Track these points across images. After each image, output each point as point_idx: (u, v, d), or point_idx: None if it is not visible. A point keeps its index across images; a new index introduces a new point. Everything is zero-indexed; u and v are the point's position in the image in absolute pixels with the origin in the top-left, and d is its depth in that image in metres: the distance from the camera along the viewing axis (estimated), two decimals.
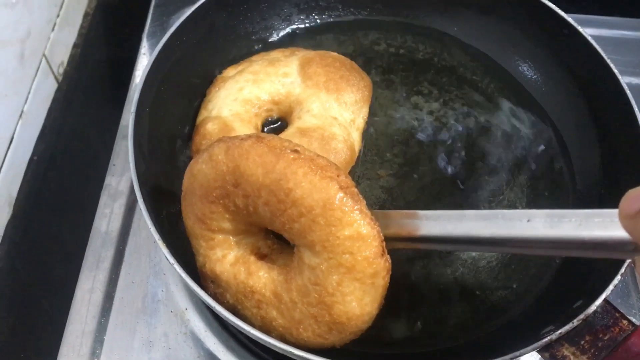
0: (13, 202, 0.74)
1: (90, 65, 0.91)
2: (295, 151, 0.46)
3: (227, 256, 0.52)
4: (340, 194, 0.45)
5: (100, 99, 0.95)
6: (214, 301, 0.49)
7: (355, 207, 0.45)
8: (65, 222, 0.81)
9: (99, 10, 0.96)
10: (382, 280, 0.47)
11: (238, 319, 0.49)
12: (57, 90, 0.86)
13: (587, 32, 0.67)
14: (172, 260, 0.51)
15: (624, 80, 0.64)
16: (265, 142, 0.46)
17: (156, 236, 0.52)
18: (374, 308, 0.48)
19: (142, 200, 0.53)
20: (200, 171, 0.50)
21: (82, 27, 0.94)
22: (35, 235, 0.74)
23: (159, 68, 0.62)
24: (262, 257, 0.53)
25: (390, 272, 0.48)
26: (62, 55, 0.88)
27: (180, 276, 0.51)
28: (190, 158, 0.65)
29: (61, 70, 0.88)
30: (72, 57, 0.90)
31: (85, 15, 0.95)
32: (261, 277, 0.51)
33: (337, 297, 0.46)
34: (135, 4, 0.96)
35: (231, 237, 0.52)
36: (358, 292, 0.46)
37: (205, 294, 0.50)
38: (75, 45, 0.91)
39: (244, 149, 0.46)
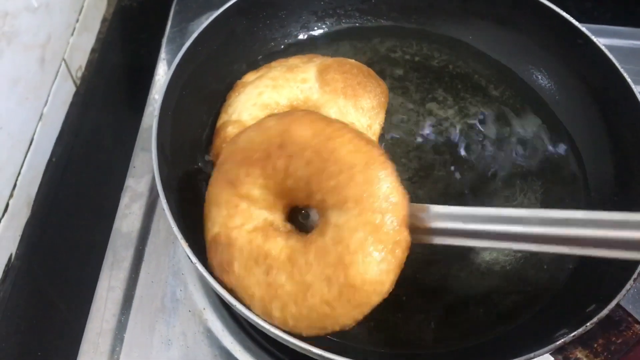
0: (32, 202, 0.76)
1: (107, 70, 0.92)
2: (344, 124, 0.50)
3: (245, 224, 0.52)
4: (383, 158, 0.48)
5: (118, 103, 0.96)
6: (229, 295, 0.51)
7: (394, 172, 0.48)
8: (82, 223, 0.82)
9: (116, 16, 0.98)
10: (401, 252, 0.47)
11: (246, 309, 0.51)
12: (75, 94, 0.87)
13: (601, 41, 0.68)
14: (194, 259, 0.52)
15: (637, 89, 0.64)
16: (317, 114, 0.51)
17: (179, 235, 0.54)
18: (389, 280, 0.47)
19: (166, 202, 0.54)
20: (247, 137, 0.52)
21: (100, 32, 0.95)
22: (54, 235, 0.76)
23: (181, 73, 0.64)
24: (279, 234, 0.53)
25: (408, 252, 0.48)
26: (80, 59, 0.90)
27: (199, 276, 0.53)
28: (210, 161, 0.67)
29: (79, 74, 0.89)
30: (90, 62, 0.91)
31: (104, 20, 0.97)
32: (278, 242, 0.51)
33: (357, 257, 0.46)
34: (153, 10, 0.97)
35: (254, 208, 0.52)
36: (378, 256, 0.46)
37: (224, 291, 0.51)
38: (93, 50, 0.93)
39: (297, 116, 0.51)
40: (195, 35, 0.65)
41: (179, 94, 0.64)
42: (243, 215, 0.53)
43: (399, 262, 0.48)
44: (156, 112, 0.60)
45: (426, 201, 0.66)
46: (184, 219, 0.58)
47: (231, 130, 0.65)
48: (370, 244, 0.46)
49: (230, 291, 0.52)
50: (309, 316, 0.48)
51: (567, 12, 0.70)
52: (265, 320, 0.51)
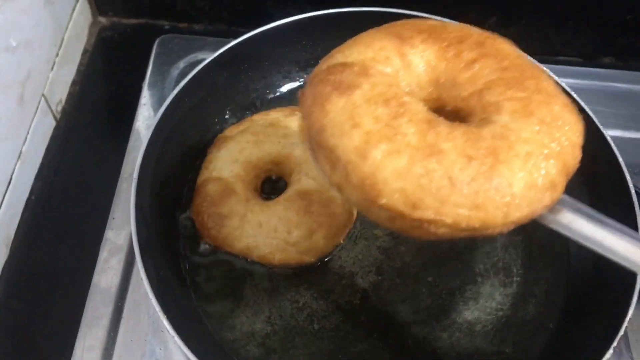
0: (10, 243, 0.75)
1: (88, 102, 0.91)
2: None
3: (387, 75, 0.46)
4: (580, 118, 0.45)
5: (99, 137, 0.95)
6: None
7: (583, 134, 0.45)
8: (63, 263, 0.81)
9: (97, 47, 0.97)
10: (549, 198, 0.42)
11: None
12: (55, 129, 0.87)
13: (572, 82, 0.68)
14: (172, 332, 0.52)
15: (606, 133, 0.65)
16: None
17: (157, 307, 0.53)
18: (523, 209, 0.41)
19: (143, 270, 0.54)
20: (440, 22, 0.50)
21: (80, 64, 0.95)
22: (33, 276, 0.75)
23: (161, 131, 0.63)
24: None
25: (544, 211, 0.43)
26: (60, 93, 0.89)
27: None
28: (191, 219, 0.66)
29: (59, 108, 0.89)
30: (70, 95, 0.91)
31: (84, 52, 0.97)
32: (420, 105, 0.44)
33: (514, 162, 0.40)
34: (134, 41, 0.97)
35: (403, 74, 0.47)
36: (531, 178, 0.41)
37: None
38: (73, 83, 0.92)
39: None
40: (175, 91, 0.65)
41: (158, 151, 0.64)
42: (390, 67, 0.46)
43: (540, 205, 0.42)
44: (135, 174, 0.59)
45: (407, 256, 0.67)
46: (163, 284, 0.58)
47: (212, 188, 0.65)
48: (532, 163, 0.41)
49: (315, 116, 0.43)
50: (417, 180, 0.40)
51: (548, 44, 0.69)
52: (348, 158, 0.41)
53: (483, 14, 0.90)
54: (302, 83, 0.79)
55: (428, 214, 0.40)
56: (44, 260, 0.77)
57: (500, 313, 0.64)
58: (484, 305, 0.64)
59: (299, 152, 0.67)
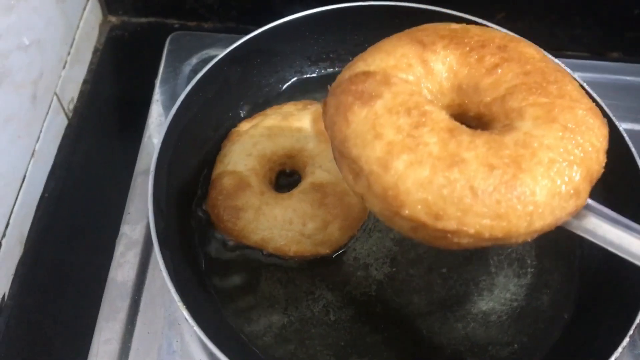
0: (24, 240, 0.75)
1: (99, 100, 0.92)
2: None
3: (410, 83, 0.45)
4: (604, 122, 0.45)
5: (111, 135, 0.96)
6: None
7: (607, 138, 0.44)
8: (78, 259, 0.81)
9: (108, 46, 0.98)
10: (573, 204, 0.41)
11: None
12: (67, 127, 0.87)
13: (583, 75, 0.67)
14: (192, 321, 0.52)
15: (621, 126, 0.65)
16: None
17: (176, 297, 0.54)
18: (546, 216, 0.40)
19: (163, 263, 0.54)
20: (462, 26, 0.49)
21: (91, 62, 0.96)
22: (49, 272, 0.75)
23: (176, 126, 0.64)
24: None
25: (568, 218, 0.43)
26: (72, 91, 0.90)
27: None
28: (206, 213, 0.67)
29: (71, 106, 0.89)
30: (81, 93, 0.92)
31: (95, 50, 0.97)
32: (441, 113, 0.43)
33: (536, 170, 0.40)
34: (145, 39, 0.98)
35: (425, 82, 0.46)
36: (555, 186, 0.40)
37: (219, 351, 0.51)
38: (85, 81, 0.93)
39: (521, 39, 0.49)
40: (189, 87, 0.65)
41: (174, 146, 0.64)
42: (412, 74, 0.46)
43: (564, 213, 0.41)
44: (152, 168, 0.60)
45: (421, 248, 0.67)
46: (181, 276, 0.58)
47: (227, 181, 0.65)
48: (556, 170, 0.40)
49: (337, 122, 0.44)
50: (439, 191, 0.40)
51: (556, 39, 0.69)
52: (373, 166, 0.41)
53: (491, 9, 0.90)
54: (313, 77, 0.79)
55: (451, 224, 0.40)
56: (59, 256, 0.77)
57: (515, 304, 0.64)
58: (499, 295, 0.64)
59: (312, 145, 0.67)
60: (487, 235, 0.40)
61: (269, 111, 0.72)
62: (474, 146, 0.41)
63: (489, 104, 0.46)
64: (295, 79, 0.79)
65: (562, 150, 0.41)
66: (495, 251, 0.67)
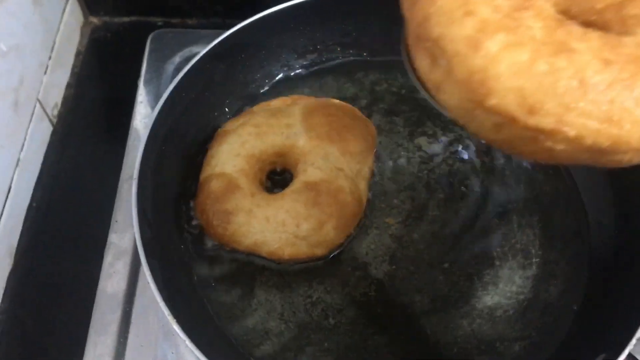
0: (14, 252, 0.73)
1: (84, 104, 0.90)
2: None
3: None
4: None
5: (98, 139, 0.94)
6: None
7: None
8: (68, 271, 0.79)
9: (90, 49, 0.96)
10: None
11: None
12: (53, 134, 0.85)
13: None
14: (183, 335, 0.50)
15: None
16: None
17: (166, 311, 0.51)
18: None
19: (150, 274, 0.52)
20: None
21: (74, 66, 0.94)
22: (39, 285, 0.73)
23: (159, 129, 0.61)
24: None
25: None
26: (55, 97, 0.87)
27: None
28: (196, 218, 0.64)
29: (55, 112, 0.87)
30: (65, 98, 0.89)
31: (77, 54, 0.95)
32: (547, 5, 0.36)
33: None
34: (128, 40, 0.95)
35: None
36: None
37: None
38: (68, 86, 0.91)
39: None
40: (171, 87, 0.62)
41: (158, 150, 0.61)
42: None
43: None
44: (135, 175, 0.57)
45: (421, 243, 0.65)
46: (171, 287, 0.56)
47: (215, 184, 0.62)
48: None
49: None
50: (539, 78, 0.33)
51: None
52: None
53: None
54: (301, 71, 0.77)
55: (547, 121, 0.33)
56: (49, 268, 0.75)
57: (522, 297, 0.61)
58: (504, 289, 0.62)
59: (303, 142, 0.64)
60: (589, 141, 0.33)
61: (256, 108, 0.69)
62: (587, 38, 0.34)
63: (601, 10, 0.38)
64: (282, 73, 0.76)
65: None
66: (498, 242, 0.65)
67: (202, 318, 0.59)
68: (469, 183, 0.68)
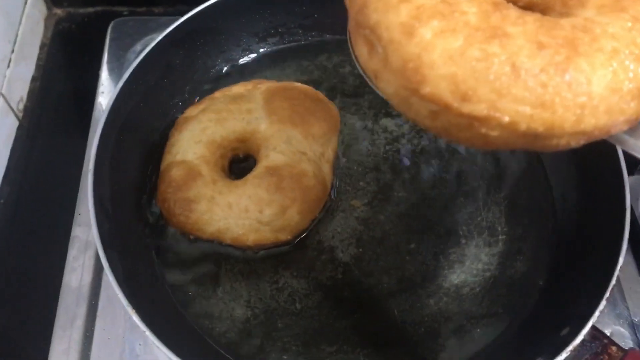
0: None
1: (51, 98, 0.88)
2: None
3: None
4: None
5: (65, 133, 0.92)
6: None
7: None
8: (35, 266, 0.78)
9: (55, 40, 0.94)
10: (636, 105, 0.34)
11: None
12: (19, 128, 0.83)
13: None
14: (143, 327, 0.49)
15: None
16: None
17: (124, 301, 0.51)
18: (600, 114, 0.33)
19: (108, 267, 0.51)
20: None
21: (39, 58, 0.92)
22: (9, 282, 0.72)
23: (116, 118, 0.60)
24: None
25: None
26: (20, 90, 0.85)
27: None
28: (157, 207, 0.63)
29: (21, 106, 0.85)
30: (31, 92, 0.88)
31: (42, 46, 0.93)
32: None
33: (596, 57, 0.33)
34: (93, 31, 0.93)
35: None
36: (616, 78, 0.33)
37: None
38: (33, 79, 0.89)
39: None
40: (126, 75, 0.61)
41: (115, 140, 0.60)
42: None
43: (622, 118, 0.34)
44: (90, 166, 0.56)
45: (387, 224, 0.64)
46: (132, 278, 0.55)
47: (176, 172, 0.61)
48: (619, 62, 0.33)
49: None
50: (471, 65, 0.33)
51: None
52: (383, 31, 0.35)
53: None
54: (264, 54, 0.75)
55: (480, 108, 0.33)
56: (14, 263, 0.74)
57: (488, 274, 0.61)
58: (470, 267, 0.62)
59: (265, 126, 0.63)
60: (523, 127, 0.33)
61: (217, 94, 0.68)
62: (522, 22, 0.33)
63: None
64: (243, 58, 0.75)
65: (629, 41, 0.34)
66: (464, 221, 0.64)
67: (165, 308, 0.58)
68: (435, 162, 0.68)
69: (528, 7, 0.37)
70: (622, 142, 0.37)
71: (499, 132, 0.34)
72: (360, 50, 0.37)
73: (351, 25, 0.38)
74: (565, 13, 0.36)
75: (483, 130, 0.34)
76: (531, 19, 0.34)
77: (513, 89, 0.32)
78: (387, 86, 0.36)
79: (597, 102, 0.33)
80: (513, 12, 0.34)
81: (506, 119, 0.33)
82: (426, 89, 0.33)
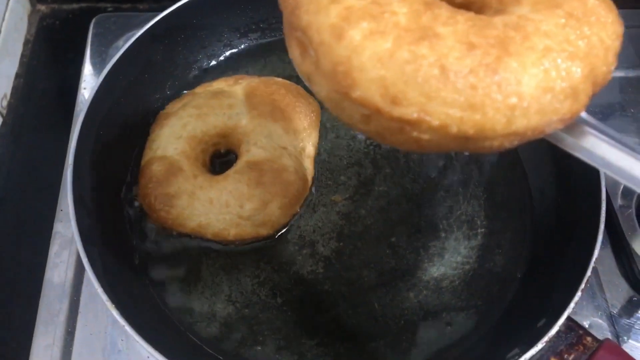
0: None
1: (35, 95, 0.88)
2: None
3: None
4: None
5: (50, 129, 0.92)
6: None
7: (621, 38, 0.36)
8: (19, 263, 0.78)
9: (39, 37, 0.93)
10: (569, 104, 0.33)
11: None
12: (3, 125, 0.83)
13: None
14: (122, 321, 0.49)
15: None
16: None
17: (104, 297, 0.51)
18: (535, 112, 0.33)
19: (88, 262, 0.51)
20: None
21: (23, 55, 0.91)
22: None
23: (95, 114, 0.60)
24: None
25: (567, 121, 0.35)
26: (4, 87, 0.85)
27: None
28: (138, 203, 0.63)
29: (4, 103, 0.85)
30: (15, 89, 0.87)
31: (26, 42, 0.93)
32: None
33: (527, 55, 0.32)
34: (77, 27, 0.93)
35: None
36: (548, 78, 0.32)
37: (159, 354, 0.48)
38: (17, 76, 0.89)
39: None
40: (106, 70, 0.61)
41: (95, 135, 0.60)
42: None
43: (555, 117, 0.33)
44: (69, 161, 0.56)
45: (369, 219, 0.65)
46: (112, 273, 0.55)
47: (156, 167, 0.61)
48: (551, 60, 0.33)
49: None
50: (400, 67, 0.32)
51: None
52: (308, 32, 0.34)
53: None
54: (245, 50, 0.75)
55: (410, 111, 0.32)
56: (1, 261, 0.74)
57: (467, 267, 0.62)
58: (450, 260, 0.62)
59: (245, 121, 0.64)
60: (454, 129, 0.32)
61: (198, 89, 0.68)
62: (453, 22, 0.33)
63: None
64: (225, 53, 0.75)
65: (562, 38, 0.33)
66: (444, 214, 0.65)
67: (146, 304, 0.58)
68: (415, 157, 0.68)
69: (464, 6, 0.37)
70: (559, 140, 0.37)
71: (430, 136, 0.33)
72: (294, 52, 0.37)
73: (285, 27, 0.38)
74: (501, 10, 0.36)
75: (415, 133, 0.33)
76: (463, 18, 0.33)
77: (442, 92, 0.31)
78: (320, 89, 0.36)
79: (528, 103, 0.32)
80: (445, 11, 0.34)
81: (436, 122, 0.32)
82: (356, 93, 0.33)
